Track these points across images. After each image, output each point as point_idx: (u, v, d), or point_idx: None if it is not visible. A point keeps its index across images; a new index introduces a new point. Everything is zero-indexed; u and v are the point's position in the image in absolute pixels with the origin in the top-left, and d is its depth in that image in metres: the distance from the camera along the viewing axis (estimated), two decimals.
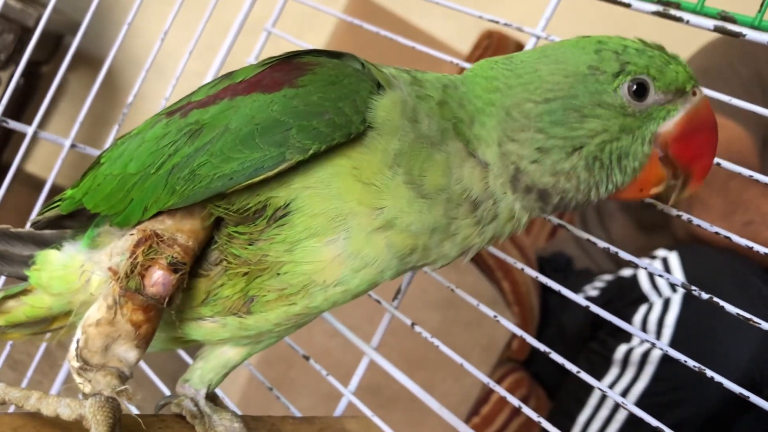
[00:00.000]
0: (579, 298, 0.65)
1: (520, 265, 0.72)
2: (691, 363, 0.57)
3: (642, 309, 1.49)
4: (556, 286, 0.68)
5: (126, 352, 0.51)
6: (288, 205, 0.51)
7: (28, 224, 0.69)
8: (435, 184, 0.52)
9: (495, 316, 0.72)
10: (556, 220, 0.71)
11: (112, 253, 0.54)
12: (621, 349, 1.49)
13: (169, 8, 0.90)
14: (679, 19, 0.63)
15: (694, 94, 0.55)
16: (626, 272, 1.63)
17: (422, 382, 0.75)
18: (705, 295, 0.57)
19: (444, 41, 2.30)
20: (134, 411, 0.79)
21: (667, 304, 1.47)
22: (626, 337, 1.51)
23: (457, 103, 0.55)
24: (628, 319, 1.53)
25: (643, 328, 1.47)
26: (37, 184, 0.86)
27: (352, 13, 2.16)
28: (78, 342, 0.51)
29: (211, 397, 0.62)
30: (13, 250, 0.64)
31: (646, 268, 0.61)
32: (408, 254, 0.53)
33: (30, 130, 0.83)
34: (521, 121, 0.53)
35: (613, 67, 0.53)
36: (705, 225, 0.60)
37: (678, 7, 0.63)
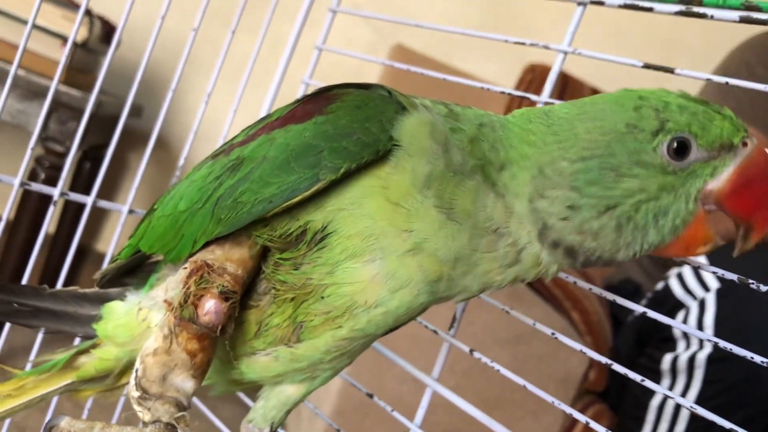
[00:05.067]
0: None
1: (597, 289, 0.69)
2: (758, 359, 0.55)
3: (680, 315, 1.50)
4: (638, 308, 0.65)
5: (183, 382, 0.52)
6: (325, 227, 0.52)
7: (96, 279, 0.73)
8: (464, 209, 0.52)
9: (580, 350, 0.69)
10: None
11: (167, 288, 0.57)
12: (667, 359, 1.49)
13: (209, 77, 0.94)
14: (703, 16, 0.62)
15: (745, 144, 0.52)
16: (659, 285, 1.63)
17: (500, 422, 0.72)
18: (764, 288, 0.56)
19: (488, 81, 2.32)
20: None
21: (702, 305, 1.46)
22: (671, 346, 1.51)
23: (490, 144, 0.55)
24: (668, 330, 1.54)
25: (684, 334, 1.47)
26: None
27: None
28: (137, 372, 0.53)
29: None
30: (82, 311, 0.68)
31: (718, 273, 0.59)
32: (436, 281, 0.54)
33: (89, 200, 0.88)
34: (554, 180, 0.52)
35: (653, 125, 0.51)
36: None
37: (700, 3, 0.62)
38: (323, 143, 0.51)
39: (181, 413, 0.51)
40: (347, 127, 0.52)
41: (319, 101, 0.55)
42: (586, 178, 0.52)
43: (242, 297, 0.54)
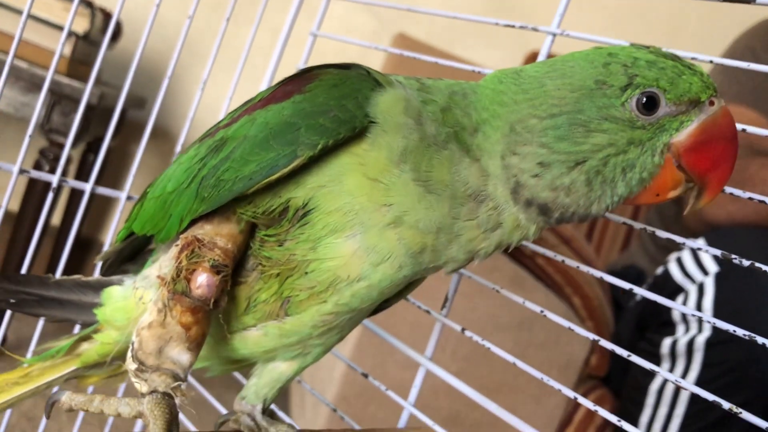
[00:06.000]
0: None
1: (594, 271, 0.69)
2: (740, 332, 0.56)
3: (679, 300, 1.51)
4: (626, 285, 0.66)
5: (179, 355, 0.53)
6: (306, 204, 0.54)
7: (98, 268, 0.75)
8: (441, 180, 0.53)
9: (569, 327, 0.70)
10: (616, 217, 0.69)
11: (161, 265, 0.59)
12: (666, 343, 1.50)
13: (204, 68, 0.95)
14: None
15: (712, 104, 0.53)
16: (659, 270, 1.64)
17: (502, 407, 0.73)
18: (746, 262, 0.56)
19: (491, 69, 2.32)
20: (193, 429, 0.82)
21: (701, 288, 1.47)
22: (670, 330, 1.52)
23: (462, 110, 0.56)
24: (668, 314, 1.55)
25: (684, 317, 1.49)
26: None
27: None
28: (133, 345, 0.54)
29: (269, 413, 0.64)
30: (86, 299, 0.69)
31: (706, 250, 0.60)
32: (419, 252, 0.55)
33: (87, 187, 0.89)
34: (524, 136, 0.53)
35: (621, 80, 0.52)
36: (738, 192, 0.59)
37: None
38: (301, 121, 0.53)
39: (177, 383, 0.52)
40: (324, 105, 0.53)
41: (298, 81, 0.56)
42: (556, 134, 0.52)
43: (232, 274, 0.55)
